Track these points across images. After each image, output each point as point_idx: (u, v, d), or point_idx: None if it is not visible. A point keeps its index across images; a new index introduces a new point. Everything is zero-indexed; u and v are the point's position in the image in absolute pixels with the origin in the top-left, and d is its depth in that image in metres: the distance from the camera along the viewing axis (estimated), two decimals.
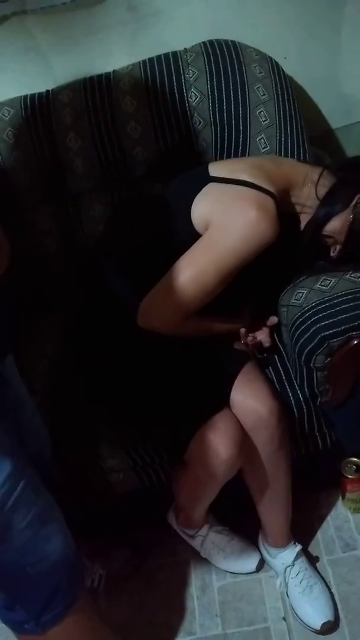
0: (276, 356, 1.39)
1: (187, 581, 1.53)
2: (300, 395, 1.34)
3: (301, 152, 1.46)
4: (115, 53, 1.59)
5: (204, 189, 1.24)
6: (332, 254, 1.29)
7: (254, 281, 1.31)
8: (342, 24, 1.66)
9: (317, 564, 1.48)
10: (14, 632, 1.09)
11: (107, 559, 1.55)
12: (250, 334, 1.34)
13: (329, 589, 1.42)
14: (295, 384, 1.35)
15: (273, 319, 1.38)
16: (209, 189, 1.24)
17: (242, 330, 1.32)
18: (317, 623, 1.36)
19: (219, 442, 1.20)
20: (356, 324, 1.20)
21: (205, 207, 1.23)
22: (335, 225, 1.25)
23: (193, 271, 1.21)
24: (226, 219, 1.20)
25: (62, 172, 1.55)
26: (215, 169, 1.27)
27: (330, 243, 1.28)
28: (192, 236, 1.24)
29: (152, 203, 1.40)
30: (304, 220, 1.29)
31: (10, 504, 0.94)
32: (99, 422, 1.38)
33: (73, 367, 1.43)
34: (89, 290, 1.42)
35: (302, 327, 1.25)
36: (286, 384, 1.35)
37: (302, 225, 1.29)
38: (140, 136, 1.51)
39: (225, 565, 1.51)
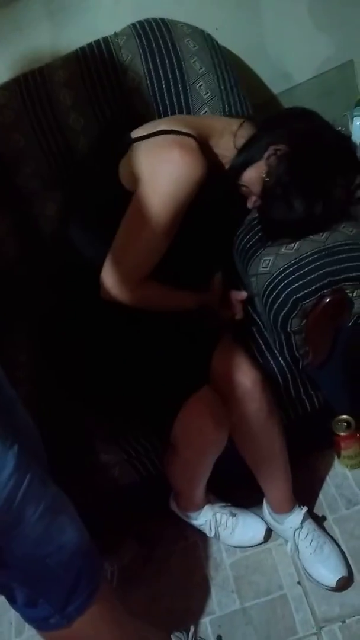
0: (253, 327, 1.39)
1: (199, 563, 1.54)
2: (282, 362, 1.34)
3: None
4: (44, 46, 1.56)
5: (128, 152, 1.24)
6: (249, 205, 1.30)
7: (201, 240, 1.30)
8: None
9: (324, 524, 1.49)
10: (40, 630, 1.08)
11: (116, 555, 1.54)
12: (223, 308, 1.34)
13: (339, 547, 1.44)
14: (276, 351, 1.35)
15: (242, 294, 1.37)
16: (132, 149, 1.24)
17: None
18: (332, 580, 1.38)
19: (202, 421, 1.20)
20: (326, 281, 1.20)
21: (131, 161, 1.22)
22: (251, 174, 1.25)
23: (134, 228, 1.20)
24: (152, 169, 1.19)
25: (10, 174, 1.51)
26: (136, 132, 1.27)
27: (245, 193, 1.28)
28: (127, 198, 1.22)
29: (83, 186, 1.39)
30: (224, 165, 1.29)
31: (19, 497, 0.93)
32: (85, 419, 1.37)
33: (49, 366, 1.41)
34: (59, 285, 1.40)
35: (274, 294, 1.24)
36: (267, 352, 1.35)
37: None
38: (83, 127, 1.49)
39: (233, 541, 1.51)
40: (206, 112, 1.45)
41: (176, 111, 1.47)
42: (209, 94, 1.45)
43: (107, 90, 1.47)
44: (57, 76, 1.48)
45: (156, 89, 1.46)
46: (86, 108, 1.47)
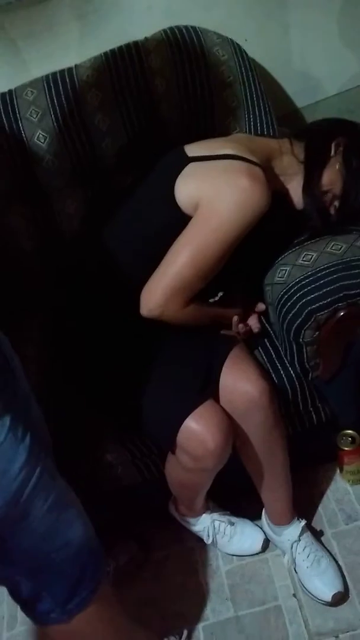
0: (265, 337, 1.40)
1: (195, 569, 1.54)
2: (291, 372, 1.35)
3: (270, 131, 1.47)
4: (75, 47, 1.58)
5: (184, 170, 1.23)
6: (332, 211, 1.30)
7: (244, 262, 1.31)
8: (297, 4, 1.67)
9: (322, 538, 1.49)
10: (39, 624, 1.08)
11: (113, 555, 1.54)
12: (241, 323, 1.34)
13: (336, 561, 1.44)
14: (286, 361, 1.35)
15: (261, 306, 1.38)
16: (192, 169, 1.23)
17: (235, 318, 1.33)
18: (328, 595, 1.38)
19: (205, 432, 1.19)
20: (341, 295, 1.21)
21: (192, 186, 1.21)
22: (329, 175, 1.27)
23: (190, 251, 1.20)
24: (217, 192, 1.18)
25: (33, 170, 1.53)
26: (192, 150, 1.26)
27: (328, 199, 1.28)
28: (181, 219, 1.22)
29: (130, 194, 1.38)
30: (293, 188, 1.29)
31: (28, 490, 0.92)
32: (92, 415, 1.37)
33: (59, 366, 1.41)
34: (74, 289, 1.41)
35: (289, 304, 1.25)
36: (277, 362, 1.36)
37: (293, 194, 1.29)
38: (108, 128, 1.50)
39: (230, 549, 1.51)
40: (231, 120, 1.47)
41: (200, 117, 1.48)
42: (235, 103, 1.46)
43: (134, 93, 1.48)
44: (86, 76, 1.49)
45: (183, 94, 1.48)
46: (113, 109, 1.48)
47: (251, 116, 1.46)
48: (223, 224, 1.18)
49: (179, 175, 1.22)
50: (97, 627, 1.08)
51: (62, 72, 1.52)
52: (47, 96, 1.49)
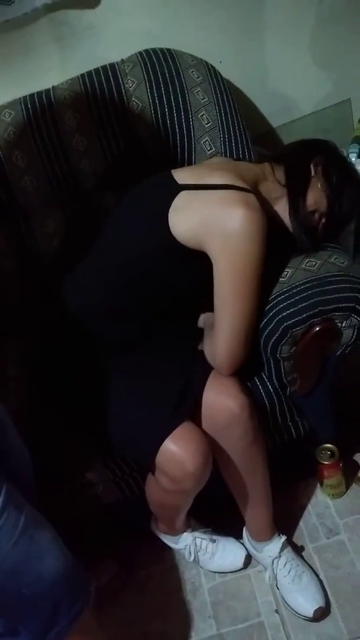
0: None
1: (177, 587, 1.53)
2: (270, 387, 1.36)
3: (246, 151, 1.49)
4: (52, 69, 1.60)
5: (177, 199, 1.22)
6: (320, 230, 1.32)
7: None
8: (271, 26, 1.71)
9: (303, 553, 1.49)
10: None
11: (95, 574, 1.53)
12: None
13: (317, 576, 1.44)
14: (264, 376, 1.37)
15: None
16: (185, 199, 1.23)
17: None
18: (309, 611, 1.38)
19: (184, 454, 1.19)
20: (317, 310, 1.23)
21: (191, 221, 1.21)
22: (314, 195, 1.29)
23: (234, 301, 1.21)
24: (224, 232, 1.17)
25: (12, 190, 1.54)
26: (182, 177, 1.26)
27: (316, 219, 1.31)
28: (176, 249, 1.22)
29: (114, 217, 1.38)
30: (280, 212, 1.31)
31: None
32: (72, 435, 1.37)
33: (38, 382, 1.42)
34: (52, 310, 1.41)
35: (265, 320, 1.27)
36: (255, 378, 1.37)
37: (282, 217, 1.31)
38: (86, 149, 1.52)
39: (212, 566, 1.51)
40: (206, 140, 1.49)
41: (177, 137, 1.50)
42: (210, 124, 1.49)
43: (111, 114, 1.51)
44: (63, 97, 1.51)
45: (159, 115, 1.50)
46: (90, 130, 1.50)
47: (226, 136, 1.49)
48: (246, 259, 1.18)
49: (172, 205, 1.23)
50: None
51: (39, 93, 1.55)
52: (25, 117, 1.51)
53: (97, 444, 1.36)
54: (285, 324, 1.24)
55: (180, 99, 1.49)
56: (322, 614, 1.38)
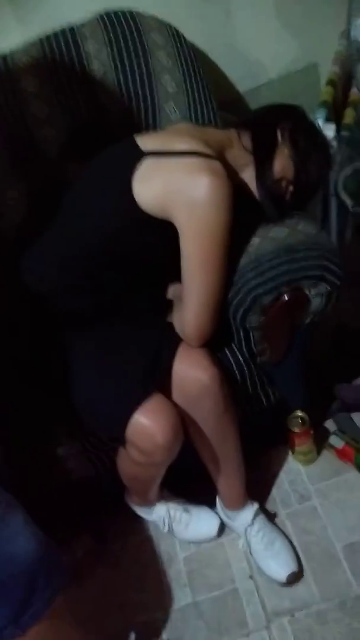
0: None
1: (152, 558, 1.54)
2: (240, 358, 1.35)
3: (212, 116, 1.46)
4: (9, 32, 1.53)
5: (142, 166, 1.19)
6: (288, 198, 1.30)
7: None
8: None
9: (276, 519, 1.51)
10: None
11: (69, 549, 1.53)
12: None
13: (290, 542, 1.46)
14: (234, 347, 1.36)
15: None
16: (149, 167, 1.19)
17: None
18: (283, 575, 1.40)
19: (154, 427, 1.19)
20: (284, 279, 1.22)
21: (155, 190, 1.18)
22: (281, 162, 1.26)
23: (202, 272, 1.20)
24: (190, 201, 1.15)
25: None
26: (146, 143, 1.23)
27: (284, 186, 1.28)
28: (140, 217, 1.19)
29: (78, 186, 1.35)
30: (247, 179, 1.28)
31: None
32: (43, 410, 1.35)
33: (10, 359, 1.38)
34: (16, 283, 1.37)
35: (234, 290, 1.25)
36: (225, 348, 1.36)
37: (249, 184, 1.29)
38: (47, 116, 1.47)
39: (187, 536, 1.52)
40: (171, 105, 1.45)
41: (141, 103, 1.46)
42: (174, 88, 1.45)
43: (72, 79, 1.45)
44: (21, 63, 1.45)
45: (122, 80, 1.45)
46: (50, 96, 1.45)
47: (191, 102, 1.45)
48: (213, 228, 1.16)
49: (135, 172, 1.19)
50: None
51: None
52: None
53: (66, 418, 1.35)
54: (253, 293, 1.23)
55: (143, 62, 1.44)
56: (295, 578, 1.40)
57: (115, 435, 1.25)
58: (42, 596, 1.00)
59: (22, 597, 0.99)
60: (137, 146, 1.22)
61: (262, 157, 1.27)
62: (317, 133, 1.37)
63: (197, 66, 1.48)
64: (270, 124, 1.30)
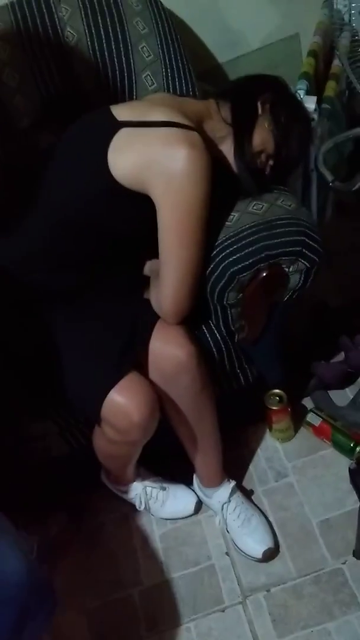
0: None
1: (129, 535, 1.53)
2: (217, 335, 1.34)
3: (190, 87, 1.42)
4: None
5: (117, 136, 1.15)
6: (267, 171, 1.27)
7: None
8: None
9: (253, 496, 1.51)
10: None
11: (45, 526, 1.51)
12: None
13: (266, 518, 1.46)
14: (212, 324, 1.34)
15: None
16: (125, 137, 1.15)
17: None
18: (259, 552, 1.40)
19: (130, 405, 1.17)
20: (263, 255, 1.20)
21: (131, 161, 1.14)
22: (261, 135, 1.23)
23: (183, 244, 1.16)
24: (167, 173, 1.11)
25: None
26: (121, 113, 1.18)
27: (263, 159, 1.25)
28: (115, 189, 1.15)
29: (51, 157, 1.29)
30: (226, 151, 1.25)
31: None
32: (17, 390, 1.32)
33: None
34: None
35: (212, 266, 1.23)
36: (203, 326, 1.34)
37: (227, 156, 1.25)
38: (18, 84, 1.41)
39: (163, 514, 1.52)
40: (148, 75, 1.40)
41: (117, 71, 1.41)
42: (151, 57, 1.40)
43: (44, 46, 1.40)
44: None
45: (96, 47, 1.40)
46: (22, 63, 1.39)
47: (169, 71, 1.40)
48: (190, 201, 1.13)
49: (111, 143, 1.15)
50: None
51: None
52: None
53: (40, 396, 1.32)
54: (231, 269, 1.20)
55: (118, 29, 1.39)
56: (271, 554, 1.41)
57: (91, 414, 1.23)
58: (33, 626, 0.96)
59: (14, 624, 0.93)
60: (112, 116, 1.18)
61: (242, 130, 1.24)
62: (299, 106, 1.34)
63: (175, 34, 1.44)
64: (250, 95, 1.26)
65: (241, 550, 1.43)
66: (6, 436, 1.34)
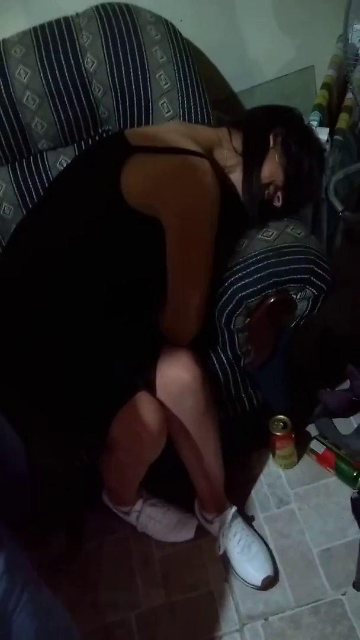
0: None
1: (128, 557, 1.52)
2: (224, 359, 1.34)
3: (205, 115, 1.45)
4: (4, 20, 1.51)
5: (130, 161, 1.17)
6: (276, 204, 1.28)
7: None
8: None
9: (254, 522, 1.50)
10: None
11: (44, 546, 1.51)
12: None
13: (267, 545, 1.45)
14: (219, 348, 1.35)
15: None
16: (138, 161, 1.17)
17: None
18: (258, 580, 1.39)
19: (139, 426, 1.19)
20: (271, 281, 1.21)
21: (143, 185, 1.16)
22: (270, 167, 1.25)
23: (191, 269, 1.19)
24: (176, 199, 1.14)
25: None
26: (135, 138, 1.21)
27: (271, 191, 1.27)
28: (125, 211, 1.17)
29: (65, 178, 1.32)
30: (235, 180, 1.27)
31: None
32: (23, 409, 1.33)
33: None
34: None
35: (220, 290, 1.24)
36: (209, 349, 1.35)
37: (236, 185, 1.27)
38: (37, 107, 1.44)
39: (163, 537, 1.51)
40: (164, 102, 1.43)
41: (134, 98, 1.44)
42: (168, 85, 1.43)
43: (64, 71, 1.43)
44: (14, 51, 1.43)
45: (115, 74, 1.43)
46: (41, 87, 1.43)
47: (185, 99, 1.43)
48: (198, 227, 1.15)
49: (124, 167, 1.17)
50: None
51: None
52: None
53: (48, 414, 1.33)
54: (239, 294, 1.22)
55: (137, 57, 1.42)
56: (270, 582, 1.40)
57: (100, 431, 1.23)
58: None
59: None
60: (126, 141, 1.21)
61: (251, 161, 1.26)
62: (313, 139, 1.36)
63: (193, 63, 1.47)
64: (263, 127, 1.28)
65: (240, 577, 1.42)
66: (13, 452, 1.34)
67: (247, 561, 1.41)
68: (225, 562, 1.46)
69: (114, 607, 1.45)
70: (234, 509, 1.44)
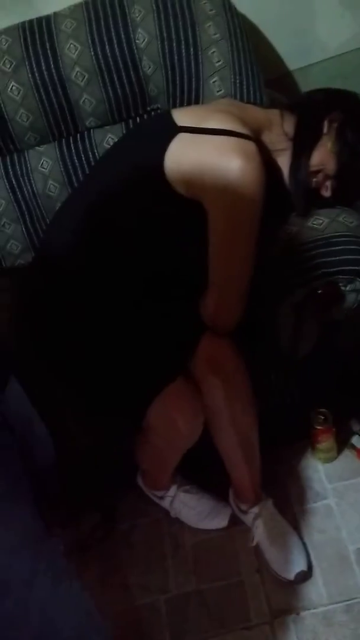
0: None
1: (160, 541, 1.52)
2: (267, 350, 1.31)
3: (257, 94, 1.39)
4: None
5: (174, 141, 1.14)
6: (324, 193, 1.23)
7: None
8: None
9: (289, 516, 1.48)
10: None
11: (78, 524, 1.52)
12: None
13: (302, 540, 1.43)
14: (262, 338, 1.31)
15: None
16: (182, 142, 1.14)
17: None
18: (291, 573, 1.37)
19: (175, 413, 1.18)
20: (320, 272, 1.17)
21: (186, 167, 1.13)
22: (321, 154, 1.20)
23: (233, 255, 1.16)
24: (219, 183, 1.10)
25: (6, 124, 1.44)
26: (182, 118, 1.17)
27: (319, 179, 1.22)
28: (168, 194, 1.15)
29: (111, 156, 1.30)
30: (283, 165, 1.23)
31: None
32: (61, 390, 1.33)
33: (30, 338, 1.35)
34: (45, 259, 1.34)
35: (266, 279, 1.21)
36: (252, 339, 1.31)
37: (283, 170, 1.23)
38: (86, 83, 1.41)
39: (196, 523, 1.50)
40: (216, 81, 1.38)
41: (185, 75, 1.39)
42: (220, 62, 1.37)
43: (114, 46, 1.39)
44: (64, 26, 1.40)
45: (167, 50, 1.38)
46: (91, 63, 1.40)
47: (237, 77, 1.38)
48: (242, 212, 1.11)
49: (168, 147, 1.14)
50: None
51: (39, 20, 1.43)
52: (22, 45, 1.41)
53: (86, 396, 1.32)
54: (285, 285, 1.18)
55: (190, 33, 1.37)
56: (303, 577, 1.37)
57: (137, 418, 1.23)
58: None
59: None
60: (172, 120, 1.17)
61: (301, 146, 1.21)
62: None
63: (247, 40, 1.41)
64: (318, 112, 1.22)
65: (273, 570, 1.40)
66: (50, 430, 1.34)
67: (281, 554, 1.39)
68: (257, 553, 1.44)
69: (144, 589, 1.45)
70: (270, 501, 1.42)
